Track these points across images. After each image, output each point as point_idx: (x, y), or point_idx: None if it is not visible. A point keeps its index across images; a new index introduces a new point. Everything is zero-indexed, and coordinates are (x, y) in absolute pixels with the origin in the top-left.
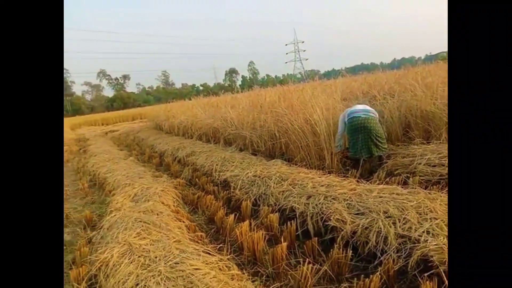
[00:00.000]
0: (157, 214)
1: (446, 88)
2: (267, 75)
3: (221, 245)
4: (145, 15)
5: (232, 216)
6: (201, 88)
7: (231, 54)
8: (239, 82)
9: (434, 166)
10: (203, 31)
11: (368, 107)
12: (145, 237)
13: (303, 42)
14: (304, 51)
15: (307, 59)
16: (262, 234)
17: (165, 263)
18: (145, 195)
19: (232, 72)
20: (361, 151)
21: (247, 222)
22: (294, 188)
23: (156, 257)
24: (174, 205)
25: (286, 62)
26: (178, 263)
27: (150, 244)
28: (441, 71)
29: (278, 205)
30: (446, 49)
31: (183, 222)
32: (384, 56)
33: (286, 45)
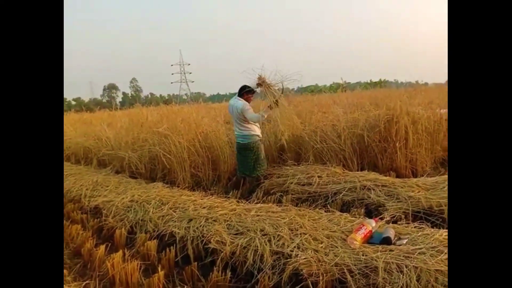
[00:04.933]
0: None
1: (313, 117)
2: (151, 94)
3: (88, 281)
4: None
5: (102, 247)
6: (73, 102)
7: (111, 69)
8: (119, 99)
9: (304, 185)
10: (80, 42)
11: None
12: None
13: (189, 64)
14: (190, 73)
15: (193, 81)
16: (138, 264)
17: None
18: None
19: (111, 87)
20: (244, 171)
21: (120, 252)
22: (175, 212)
23: None
24: None
25: (172, 83)
26: None
27: None
28: (308, 102)
29: (157, 231)
30: (315, 83)
31: None
32: None
33: (171, 65)
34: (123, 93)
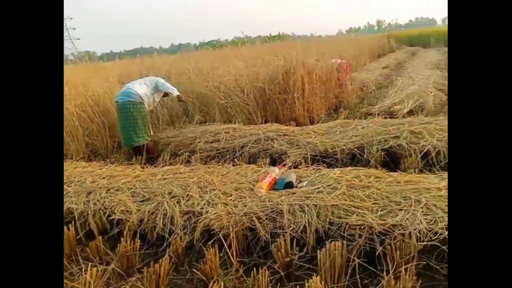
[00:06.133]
0: None
1: (215, 72)
2: None
3: None
4: None
5: None
6: None
7: None
8: None
9: (211, 142)
10: None
11: (131, 89)
12: None
13: (71, 18)
14: (74, 29)
15: (79, 39)
16: None
17: None
18: None
19: None
20: (123, 140)
21: None
22: (70, 186)
23: None
24: None
25: None
26: None
27: None
28: (211, 55)
29: None
30: (217, 38)
31: None
32: (163, 41)
33: None
34: None
